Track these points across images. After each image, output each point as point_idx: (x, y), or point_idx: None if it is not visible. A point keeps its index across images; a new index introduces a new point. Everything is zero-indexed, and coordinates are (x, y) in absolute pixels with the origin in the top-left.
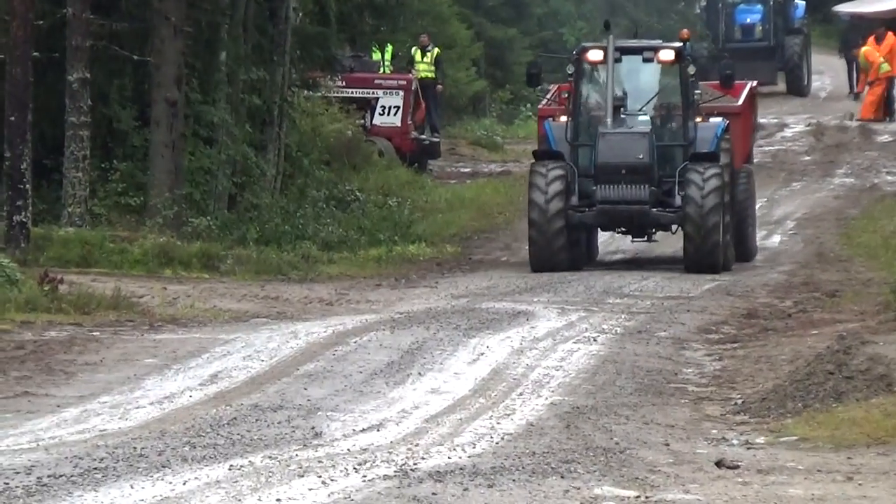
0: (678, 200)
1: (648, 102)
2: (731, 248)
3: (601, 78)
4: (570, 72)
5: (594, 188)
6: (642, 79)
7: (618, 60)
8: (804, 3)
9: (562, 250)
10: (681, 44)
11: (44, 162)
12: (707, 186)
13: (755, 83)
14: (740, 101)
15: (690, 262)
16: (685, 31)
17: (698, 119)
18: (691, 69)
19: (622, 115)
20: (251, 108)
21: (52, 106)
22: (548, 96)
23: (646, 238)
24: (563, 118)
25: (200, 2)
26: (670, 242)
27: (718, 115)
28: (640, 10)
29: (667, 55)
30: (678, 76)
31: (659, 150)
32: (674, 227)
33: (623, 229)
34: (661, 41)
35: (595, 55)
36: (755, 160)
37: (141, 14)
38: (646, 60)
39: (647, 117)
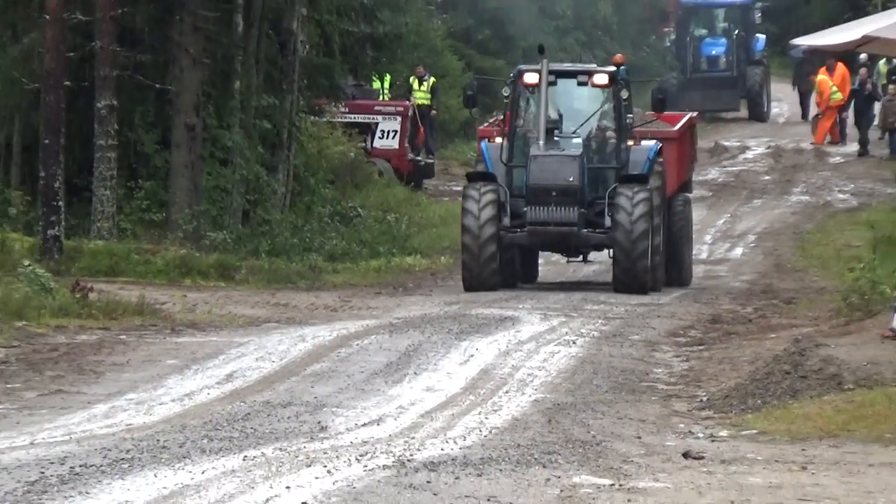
0: (608, 221)
1: (582, 125)
2: (661, 269)
3: (536, 100)
4: (505, 94)
5: (525, 209)
6: (576, 102)
7: (552, 83)
8: (764, 36)
9: (494, 273)
10: (614, 68)
11: (75, 181)
12: (636, 211)
13: (695, 114)
14: (676, 128)
15: (619, 283)
16: (619, 55)
17: (631, 142)
18: (625, 93)
19: (555, 138)
20: (263, 133)
21: (82, 130)
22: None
23: (581, 258)
24: (500, 139)
25: (216, 36)
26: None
27: (653, 139)
28: (616, 43)
29: (601, 79)
30: (612, 99)
31: (591, 172)
32: (610, 251)
33: (555, 252)
34: (595, 65)
35: (530, 78)
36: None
37: (162, 46)
38: (580, 84)
39: (579, 140)
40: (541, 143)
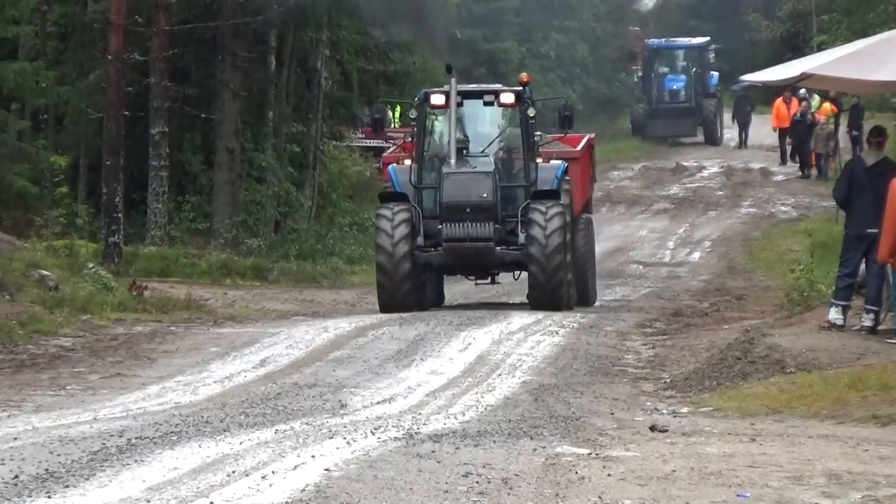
0: (521, 239)
1: (490, 144)
2: (573, 286)
3: (444, 121)
4: (412, 116)
5: (440, 227)
6: (484, 121)
7: (460, 104)
8: (717, 73)
9: (410, 293)
10: (520, 87)
11: (132, 196)
12: (550, 225)
13: (593, 135)
14: (578, 148)
15: (535, 299)
16: (524, 74)
17: (539, 160)
18: (531, 111)
19: (465, 157)
20: (292, 155)
21: (138, 153)
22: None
23: (489, 280)
24: (407, 162)
25: (253, 72)
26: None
27: (557, 159)
28: (591, 79)
29: (507, 98)
30: (518, 118)
31: (502, 189)
32: (516, 273)
33: (467, 272)
34: (501, 85)
35: (437, 99)
36: (680, 195)
37: (207, 82)
38: (487, 104)
39: (489, 158)
40: (452, 161)
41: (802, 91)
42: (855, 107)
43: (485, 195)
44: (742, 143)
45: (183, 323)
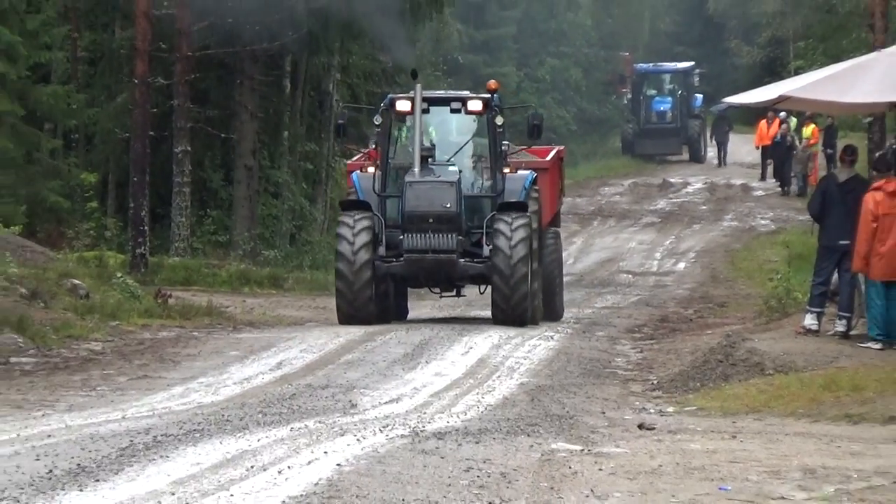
0: (486, 251)
1: (456, 153)
2: (539, 300)
3: (410, 128)
4: (377, 123)
5: (402, 237)
6: (451, 129)
7: (426, 111)
8: (701, 96)
9: (369, 303)
10: (489, 95)
11: (157, 210)
12: (515, 237)
13: (563, 147)
14: (548, 158)
15: (499, 312)
16: (493, 82)
17: (507, 170)
18: (499, 119)
19: (430, 165)
20: (305, 172)
21: (163, 170)
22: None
23: (454, 293)
24: (371, 169)
25: (269, 95)
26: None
27: (526, 169)
28: (584, 101)
29: (475, 105)
30: (486, 126)
31: (467, 200)
32: (482, 287)
33: (430, 284)
34: (468, 92)
35: (403, 105)
36: (667, 209)
37: (226, 104)
38: (454, 111)
39: (455, 167)
40: (416, 170)
41: (783, 114)
42: (829, 127)
43: (448, 205)
44: (721, 162)
45: (204, 328)
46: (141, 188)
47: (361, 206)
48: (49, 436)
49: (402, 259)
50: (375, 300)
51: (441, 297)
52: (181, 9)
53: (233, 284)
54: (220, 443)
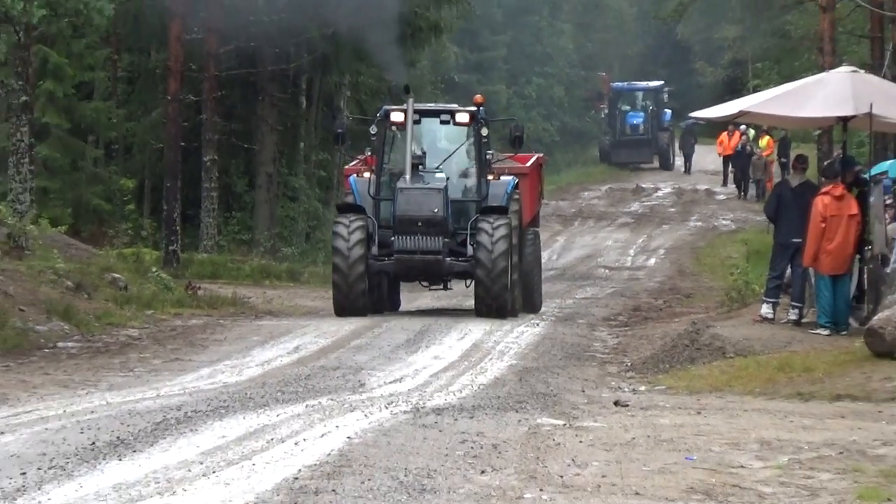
0: (470, 251)
1: (445, 160)
2: (518, 295)
3: (402, 138)
4: (373, 132)
5: (393, 239)
6: (440, 139)
7: (417, 122)
8: (670, 111)
9: (363, 295)
10: (475, 108)
11: (188, 212)
12: (496, 234)
13: (542, 155)
14: (528, 164)
15: (481, 304)
16: (479, 96)
17: (491, 177)
18: (484, 131)
19: (420, 172)
20: (319, 178)
21: (193, 177)
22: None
23: (442, 286)
24: (367, 174)
25: (287, 110)
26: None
27: (509, 175)
28: (566, 115)
29: (462, 117)
30: (473, 137)
31: (454, 204)
32: (467, 281)
33: (419, 280)
34: (456, 105)
35: (396, 117)
36: (639, 211)
37: (249, 118)
38: (443, 122)
39: (443, 174)
40: (407, 177)
41: (742, 127)
42: (783, 138)
43: (436, 210)
44: (687, 169)
45: (230, 317)
46: (173, 193)
47: (356, 209)
48: (92, 412)
49: (392, 258)
50: (368, 294)
51: (430, 289)
52: (209, 34)
53: (255, 278)
54: (244, 418)
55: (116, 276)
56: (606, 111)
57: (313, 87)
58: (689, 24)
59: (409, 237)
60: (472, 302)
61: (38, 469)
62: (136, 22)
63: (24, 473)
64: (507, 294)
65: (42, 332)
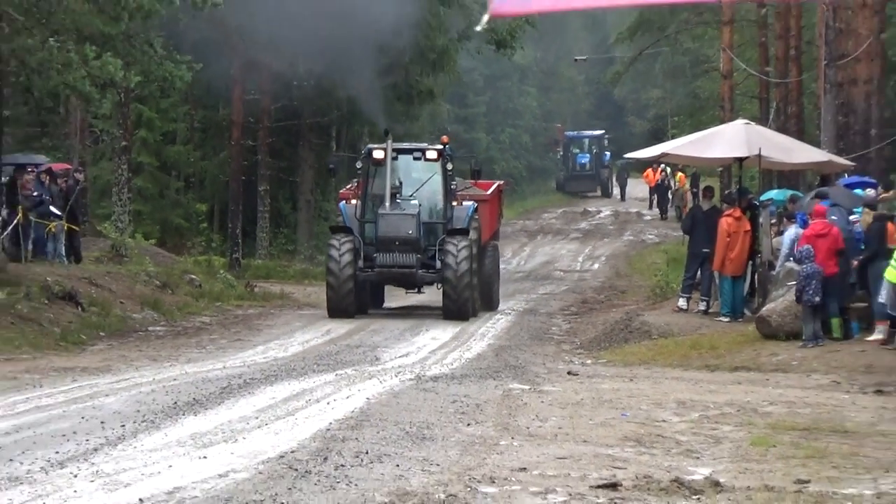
0: (438, 264)
1: (418, 190)
2: (478, 301)
3: (382, 171)
4: (359, 167)
5: (375, 255)
6: (413, 172)
7: (395, 158)
8: (609, 153)
9: (352, 303)
10: (442, 146)
11: (247, 229)
12: (460, 255)
13: (502, 182)
14: (489, 192)
15: (448, 311)
16: (445, 136)
17: (455, 203)
18: (450, 165)
19: (398, 200)
20: None
21: (250, 202)
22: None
23: (417, 290)
24: (354, 201)
25: (322, 153)
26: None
27: (472, 201)
28: (532, 156)
29: (431, 154)
30: (440, 170)
31: (425, 226)
32: (437, 285)
33: (398, 286)
34: (427, 144)
35: (378, 154)
36: (587, 228)
37: (293, 158)
38: (416, 158)
39: (416, 201)
40: (387, 204)
41: (663, 165)
42: (694, 174)
43: (410, 232)
44: (622, 197)
45: (278, 308)
46: (236, 214)
47: (346, 230)
48: (174, 379)
49: (375, 270)
50: (355, 297)
51: (406, 293)
52: (263, 95)
53: (297, 278)
54: (288, 384)
55: (193, 276)
56: (561, 153)
57: (341, 135)
58: (623, 87)
59: (388, 254)
60: (440, 302)
61: (134, 422)
62: (208, 86)
63: (123, 425)
64: (468, 302)
65: (137, 320)
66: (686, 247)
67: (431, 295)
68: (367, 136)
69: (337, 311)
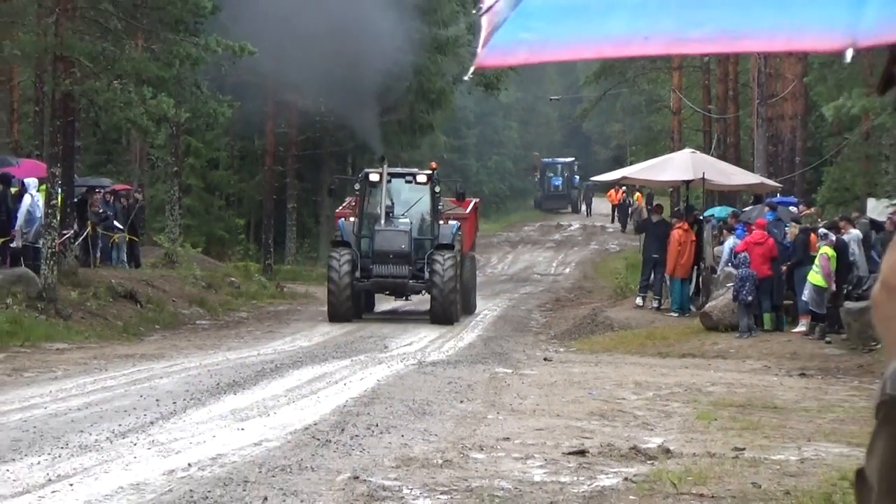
0: (427, 275)
1: (409, 209)
2: (460, 304)
3: (378, 192)
4: (357, 188)
5: (371, 266)
6: (405, 194)
7: (389, 181)
8: (578, 177)
9: (350, 309)
10: (430, 171)
11: (277, 240)
12: (447, 265)
13: (478, 200)
14: (467, 211)
15: (435, 316)
16: (434, 163)
17: (441, 221)
18: (437, 188)
19: (391, 218)
20: None
21: (280, 218)
22: (345, 204)
23: (405, 298)
24: (352, 218)
25: (340, 174)
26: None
27: (455, 219)
28: (514, 179)
29: (421, 178)
30: (429, 192)
31: (415, 241)
32: (423, 293)
33: (391, 294)
34: (417, 169)
35: (374, 177)
36: (560, 239)
37: (316, 180)
38: (407, 181)
39: (407, 220)
40: (382, 221)
41: (623, 186)
42: (649, 194)
43: (403, 247)
44: (588, 213)
45: (303, 305)
46: (269, 228)
47: (345, 244)
48: (217, 364)
49: (370, 280)
50: (353, 304)
51: (396, 300)
52: (291, 128)
53: (319, 280)
54: (312, 368)
55: (233, 279)
56: (538, 176)
57: (356, 162)
58: (590, 122)
59: (383, 266)
60: (428, 307)
61: (184, 400)
62: (246, 121)
63: (174, 403)
64: (453, 310)
65: (186, 315)
66: (641, 254)
67: (417, 303)
68: (378, 162)
69: (336, 316)
